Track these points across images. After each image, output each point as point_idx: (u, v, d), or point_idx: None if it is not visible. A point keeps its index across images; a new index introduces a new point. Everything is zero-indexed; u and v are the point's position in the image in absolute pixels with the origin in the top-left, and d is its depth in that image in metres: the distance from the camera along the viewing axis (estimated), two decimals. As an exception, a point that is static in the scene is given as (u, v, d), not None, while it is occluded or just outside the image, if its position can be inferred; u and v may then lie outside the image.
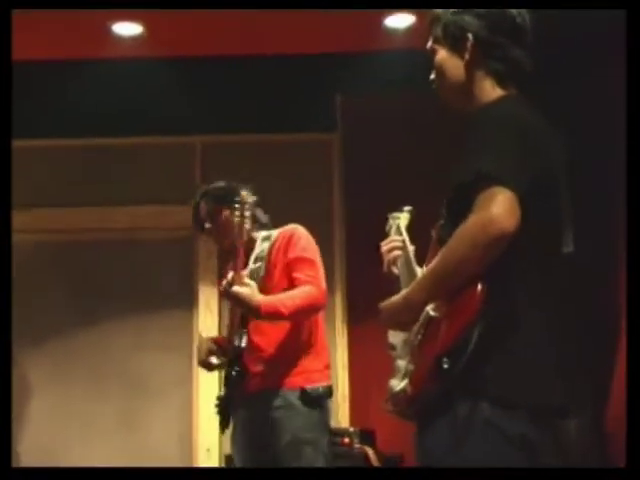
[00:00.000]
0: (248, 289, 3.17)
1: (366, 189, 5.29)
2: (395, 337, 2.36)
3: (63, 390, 5.48)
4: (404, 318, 2.22)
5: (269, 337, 3.34)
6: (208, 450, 5.33)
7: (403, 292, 2.24)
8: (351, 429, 4.79)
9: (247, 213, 3.36)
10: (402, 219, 2.60)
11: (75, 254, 5.63)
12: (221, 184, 3.56)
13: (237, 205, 3.31)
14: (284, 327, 3.33)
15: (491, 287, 2.06)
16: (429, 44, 2.35)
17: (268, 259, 3.37)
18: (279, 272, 3.34)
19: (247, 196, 3.38)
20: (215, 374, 5.30)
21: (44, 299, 5.55)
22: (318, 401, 3.26)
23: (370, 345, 5.22)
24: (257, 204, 3.44)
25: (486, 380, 2.08)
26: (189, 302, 5.49)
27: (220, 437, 5.24)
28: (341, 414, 5.19)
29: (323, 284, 3.30)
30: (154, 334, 5.53)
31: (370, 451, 4.67)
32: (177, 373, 5.48)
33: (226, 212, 3.42)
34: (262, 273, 3.36)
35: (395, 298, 2.25)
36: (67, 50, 4.93)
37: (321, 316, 3.43)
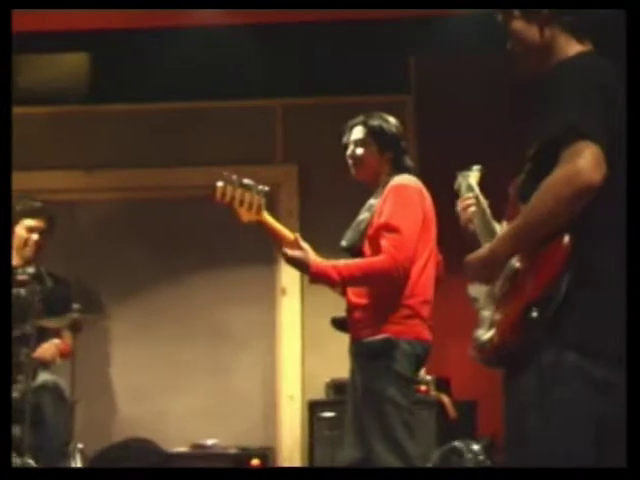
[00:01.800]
0: (300, 252, 3.23)
1: (439, 149, 5.34)
2: (476, 289, 2.39)
3: (151, 341, 5.70)
4: (490, 271, 2.25)
5: (356, 288, 3.37)
6: (291, 397, 5.48)
7: (489, 245, 2.27)
8: (427, 377, 4.87)
9: (389, 155, 3.37)
10: (472, 177, 2.62)
11: (160, 212, 5.83)
12: (378, 117, 3.46)
13: (383, 142, 3.36)
14: None
15: (577, 238, 2.09)
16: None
17: (373, 211, 3.33)
18: (374, 233, 3.30)
19: (398, 138, 3.40)
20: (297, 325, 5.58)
21: (132, 256, 5.75)
22: (380, 352, 3.23)
23: (446, 297, 5.35)
24: (404, 150, 3.42)
25: (572, 328, 2.11)
26: (270, 257, 5.60)
27: (303, 385, 5.47)
28: (417, 363, 5.34)
29: (400, 253, 3.20)
30: (237, 287, 5.71)
31: (445, 398, 4.79)
32: (260, 324, 5.66)
33: (371, 147, 3.41)
34: (363, 226, 3.34)
35: (481, 251, 2.29)
36: (154, 18, 5.12)
37: (418, 272, 3.31)
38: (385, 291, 3.29)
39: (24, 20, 5.06)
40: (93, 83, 5.83)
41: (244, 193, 3.23)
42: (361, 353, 3.31)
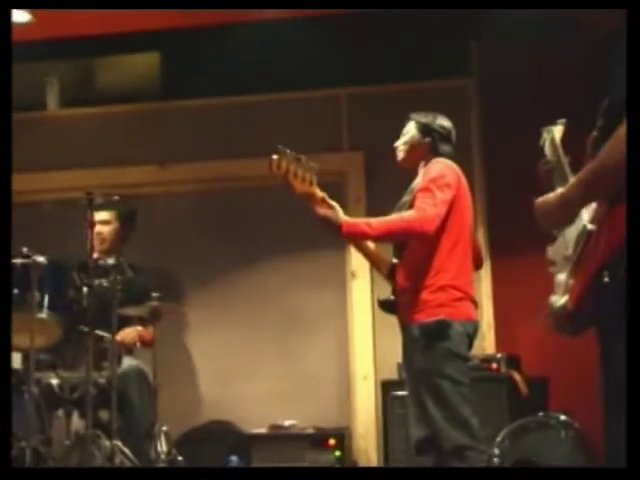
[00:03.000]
0: (330, 210, 3.36)
1: (502, 132, 5.39)
2: (554, 253, 2.37)
3: (229, 327, 5.85)
4: (559, 216, 2.22)
5: (404, 272, 3.49)
6: (365, 378, 5.58)
7: (559, 190, 2.24)
8: (498, 355, 4.95)
9: (427, 140, 3.55)
10: (556, 132, 2.59)
11: (233, 202, 5.98)
12: (426, 114, 3.66)
13: (422, 132, 3.54)
14: (414, 263, 3.45)
15: None
16: None
17: (414, 193, 3.48)
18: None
19: (438, 126, 3.58)
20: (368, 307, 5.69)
21: (207, 245, 5.92)
22: (436, 334, 3.34)
23: (513, 275, 5.41)
24: (444, 137, 3.58)
25: None
26: (340, 242, 5.59)
27: (375, 365, 5.57)
28: (487, 341, 5.36)
29: (431, 210, 3.32)
30: (309, 273, 5.83)
31: (517, 375, 4.83)
32: (332, 307, 5.77)
33: (413, 133, 3.61)
34: (405, 208, 3.45)
35: (551, 195, 2.25)
36: (221, 15, 5.23)
37: (460, 254, 3.45)
38: (431, 272, 3.41)
39: (95, 24, 5.29)
40: (164, 81, 6.04)
41: (297, 166, 3.36)
42: (417, 335, 3.41)
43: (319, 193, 3.41)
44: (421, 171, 3.56)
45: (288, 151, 3.34)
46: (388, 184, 5.51)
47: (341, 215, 3.39)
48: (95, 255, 4.73)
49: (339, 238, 3.52)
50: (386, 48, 5.62)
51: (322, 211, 3.37)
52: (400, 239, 3.48)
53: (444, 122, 3.65)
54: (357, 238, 3.53)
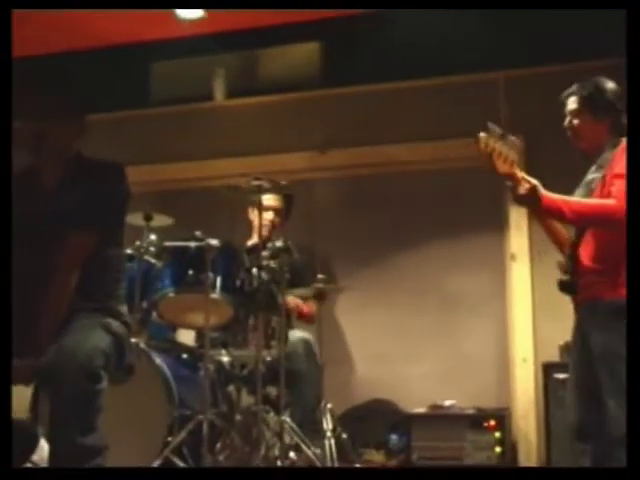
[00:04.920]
0: (530, 186, 3.21)
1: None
2: None
3: (389, 308, 5.98)
4: None
5: (587, 252, 3.38)
6: (524, 360, 5.58)
7: None
8: None
9: (605, 121, 3.37)
10: None
11: (393, 186, 6.09)
12: (591, 85, 3.48)
13: (598, 109, 3.36)
14: (599, 243, 3.34)
15: None
16: None
17: (605, 170, 3.33)
18: (606, 187, 3.28)
19: (613, 101, 3.39)
20: (528, 290, 5.69)
21: (368, 228, 6.08)
22: (617, 315, 3.15)
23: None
24: (622, 111, 3.36)
25: None
26: (500, 224, 5.78)
27: (535, 347, 5.57)
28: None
29: None
30: (468, 255, 5.88)
31: None
32: (492, 290, 5.80)
33: (586, 116, 3.44)
34: (594, 185, 3.34)
35: None
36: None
37: None
38: (615, 251, 3.27)
39: (258, 16, 5.48)
40: (325, 69, 6.19)
41: (502, 145, 3.24)
42: (599, 313, 3.30)
43: (519, 173, 3.29)
44: (609, 151, 3.38)
45: (496, 128, 3.23)
46: (549, 167, 5.48)
47: (540, 191, 3.24)
48: (259, 238, 4.90)
49: (537, 213, 3.40)
50: (544, 29, 5.56)
51: (522, 190, 3.23)
52: (593, 225, 3.36)
53: (611, 85, 3.46)
54: (553, 215, 3.36)
